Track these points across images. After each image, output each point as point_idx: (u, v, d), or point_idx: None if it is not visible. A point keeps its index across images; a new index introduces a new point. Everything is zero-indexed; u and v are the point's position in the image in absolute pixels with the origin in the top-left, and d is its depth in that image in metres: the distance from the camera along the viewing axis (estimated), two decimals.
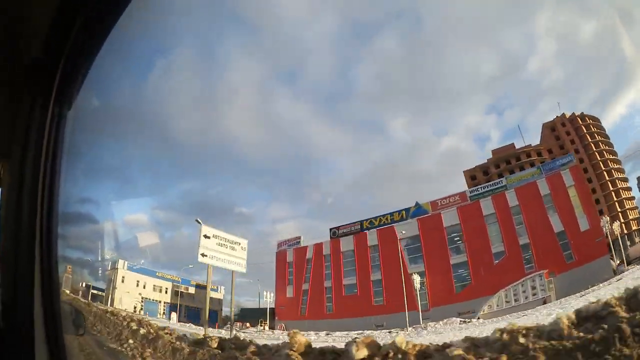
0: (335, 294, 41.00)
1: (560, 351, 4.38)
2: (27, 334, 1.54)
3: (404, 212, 39.69)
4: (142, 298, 57.07)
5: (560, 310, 13.07)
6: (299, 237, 46.68)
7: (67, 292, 17.19)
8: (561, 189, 33.68)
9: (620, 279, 24.94)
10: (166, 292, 60.22)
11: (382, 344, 5.98)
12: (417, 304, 33.23)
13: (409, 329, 29.22)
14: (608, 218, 38.27)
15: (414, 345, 5.73)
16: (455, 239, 36.65)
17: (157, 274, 59.96)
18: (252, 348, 8.15)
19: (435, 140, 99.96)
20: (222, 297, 64.88)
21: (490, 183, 39.52)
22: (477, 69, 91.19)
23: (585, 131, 62.23)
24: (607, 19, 68.60)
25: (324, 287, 42.26)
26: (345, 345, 6.15)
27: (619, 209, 55.93)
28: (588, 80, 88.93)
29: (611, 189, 58.30)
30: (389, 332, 26.55)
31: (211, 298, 64.44)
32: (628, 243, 40.59)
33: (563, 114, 64.56)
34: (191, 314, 55.13)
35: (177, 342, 9.41)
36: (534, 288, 30.17)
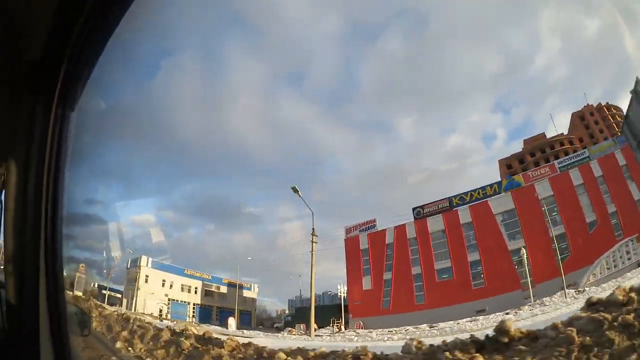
0: (427, 281, 36.29)
1: None
2: (33, 335, 1.53)
3: (496, 185, 37.21)
4: (169, 300, 49.91)
5: None
6: (374, 220, 41.06)
7: (79, 294, 15.53)
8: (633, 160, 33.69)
9: None
10: (195, 292, 53.02)
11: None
12: (528, 280, 31.08)
13: (525, 307, 27.01)
14: None
15: None
16: (552, 211, 35.16)
17: (185, 271, 52.89)
18: None
19: (442, 139, 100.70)
20: (255, 297, 58.76)
21: (575, 154, 38.89)
22: (481, 67, 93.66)
23: (612, 121, 64.54)
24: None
25: (412, 274, 37.35)
26: None
27: None
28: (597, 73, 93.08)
29: None
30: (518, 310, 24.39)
31: (244, 297, 58.27)
32: None
33: (589, 105, 66.82)
34: (223, 317, 48.86)
35: None
36: (628, 253, 30.15)
